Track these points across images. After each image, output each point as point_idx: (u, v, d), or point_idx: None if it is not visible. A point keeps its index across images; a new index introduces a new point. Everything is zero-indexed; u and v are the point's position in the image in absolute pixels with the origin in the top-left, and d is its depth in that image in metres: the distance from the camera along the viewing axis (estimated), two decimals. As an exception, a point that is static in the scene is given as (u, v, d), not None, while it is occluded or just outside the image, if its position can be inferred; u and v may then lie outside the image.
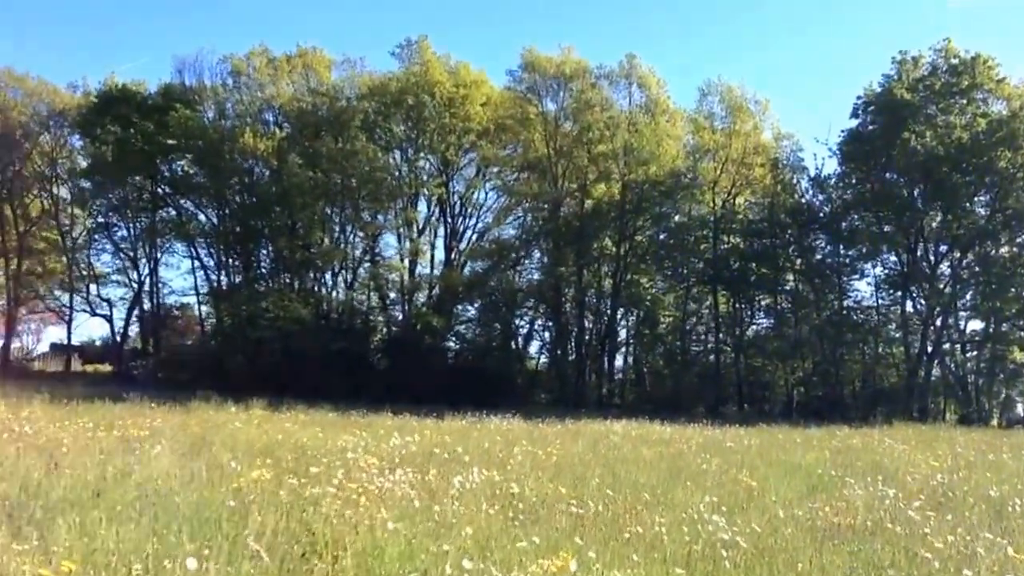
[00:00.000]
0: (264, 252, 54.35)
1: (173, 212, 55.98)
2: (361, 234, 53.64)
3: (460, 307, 56.11)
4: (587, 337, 55.63)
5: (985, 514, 12.51)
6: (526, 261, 57.64)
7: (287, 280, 53.33)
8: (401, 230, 53.18)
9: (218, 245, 54.37)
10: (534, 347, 60.35)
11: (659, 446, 21.74)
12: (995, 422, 47.81)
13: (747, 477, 15.15)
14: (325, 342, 46.68)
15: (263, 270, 54.16)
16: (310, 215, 50.30)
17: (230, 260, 54.71)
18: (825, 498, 13.23)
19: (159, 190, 55.38)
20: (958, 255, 50.59)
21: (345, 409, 29.98)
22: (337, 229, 53.60)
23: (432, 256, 54.81)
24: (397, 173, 52.13)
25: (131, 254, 57.93)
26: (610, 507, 11.23)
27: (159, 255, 57.27)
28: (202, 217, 55.40)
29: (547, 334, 58.47)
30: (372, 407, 31.43)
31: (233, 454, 14.26)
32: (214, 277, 55.30)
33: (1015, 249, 49.30)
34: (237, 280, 53.56)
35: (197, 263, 55.69)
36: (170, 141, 49.61)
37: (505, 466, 15.06)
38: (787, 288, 55.66)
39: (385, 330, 54.56)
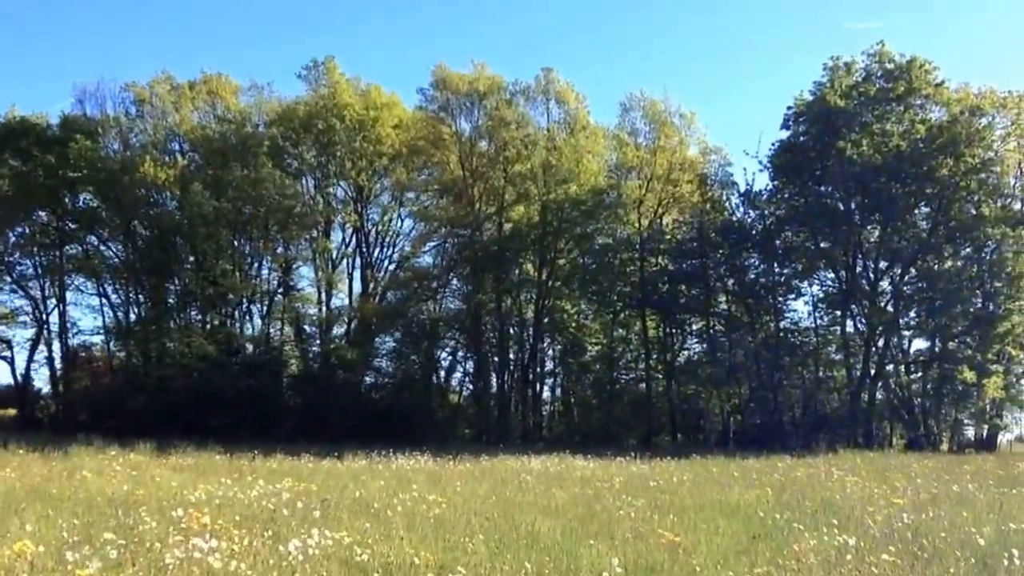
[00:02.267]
0: (171, 287, 50.71)
1: (79, 248, 52.53)
2: (272, 265, 50.31)
3: (379, 340, 52.55)
4: (509, 368, 51.92)
5: (974, 570, 9.79)
6: (445, 290, 54.05)
7: (195, 316, 50.08)
8: (316, 261, 49.85)
9: (126, 281, 51.00)
10: (457, 380, 56.90)
11: (577, 486, 18.98)
12: (945, 446, 45.04)
13: (672, 527, 12.33)
14: (233, 379, 43.55)
15: (170, 306, 50.48)
16: (215, 246, 46.98)
17: (138, 296, 51.11)
18: (769, 554, 10.40)
19: (64, 225, 51.89)
20: (900, 271, 47.74)
21: (242, 450, 27.15)
22: (248, 261, 50.30)
23: (350, 287, 51.57)
24: (308, 200, 48.83)
25: (35, 293, 54.19)
26: None
27: (67, 293, 53.51)
28: (109, 252, 51.91)
29: (469, 365, 55.13)
30: (275, 447, 28.89)
31: (44, 511, 12.36)
32: (122, 314, 51.67)
33: (960, 263, 46.51)
34: (144, 316, 50.09)
35: (104, 300, 52.15)
36: (72, 174, 46.85)
37: (379, 518, 12.32)
38: (720, 310, 52.46)
39: (299, 365, 51.09)
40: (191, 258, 49.01)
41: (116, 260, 51.59)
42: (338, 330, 51.49)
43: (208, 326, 48.57)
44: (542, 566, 9.09)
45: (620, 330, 54.27)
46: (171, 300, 50.51)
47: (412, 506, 13.89)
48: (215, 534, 9.73)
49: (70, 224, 51.95)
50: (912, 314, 48.93)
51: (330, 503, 13.75)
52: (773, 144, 49.83)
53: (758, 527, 13.02)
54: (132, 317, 51.26)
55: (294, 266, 51.64)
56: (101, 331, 53.22)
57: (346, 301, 51.70)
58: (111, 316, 52.07)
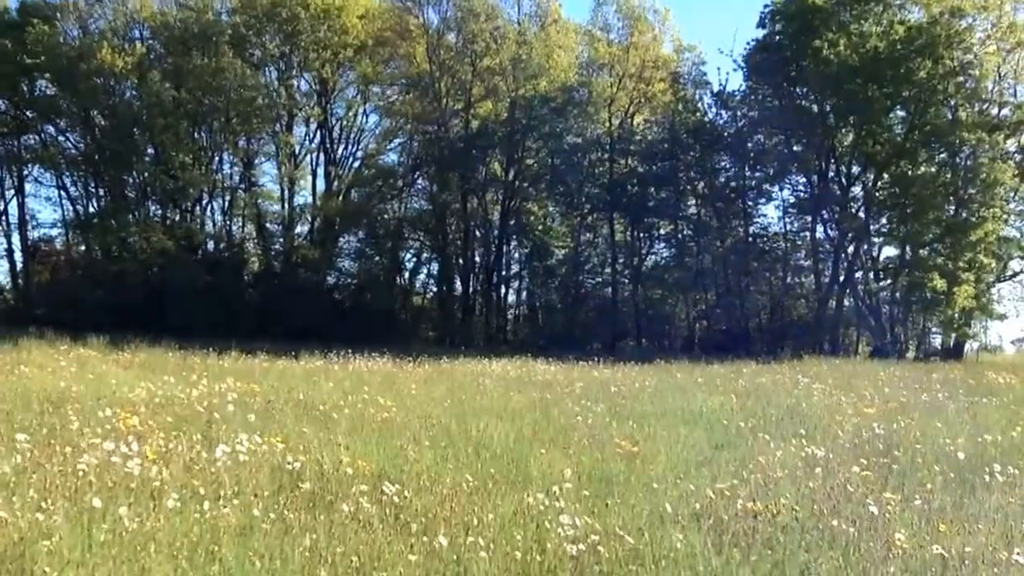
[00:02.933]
0: (130, 179, 48.91)
1: (37, 138, 50.46)
2: (234, 160, 48.76)
3: (342, 239, 51.34)
4: (475, 270, 51.03)
5: (951, 486, 9.20)
6: (410, 189, 52.70)
7: (155, 210, 48.69)
8: (279, 156, 48.28)
9: (84, 172, 49.30)
10: (421, 281, 55.97)
11: (536, 391, 18.39)
12: (911, 355, 44.59)
13: (631, 435, 11.71)
14: (192, 275, 42.51)
15: (129, 199, 48.73)
16: (174, 137, 45.10)
17: (98, 188, 49.48)
18: (733, 466, 9.77)
19: (22, 114, 49.71)
20: (872, 176, 46.59)
21: (197, 347, 26.33)
22: (208, 154, 48.63)
23: (314, 184, 50.16)
24: (271, 93, 47.02)
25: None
26: (424, 494, 7.59)
27: (25, 184, 51.56)
28: (68, 142, 50.01)
29: (434, 267, 54.04)
30: (232, 345, 27.52)
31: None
32: (81, 207, 50.10)
33: (934, 169, 45.23)
34: (103, 209, 48.59)
35: (63, 192, 50.48)
36: (29, 60, 44.76)
37: (324, 421, 11.63)
38: (689, 214, 51.49)
39: (260, 263, 50.05)
40: (150, 150, 47.37)
41: (74, 151, 49.83)
42: (301, 228, 50.26)
43: (168, 221, 47.18)
44: (488, 476, 8.39)
45: (587, 233, 53.18)
46: (130, 193, 48.87)
47: (361, 409, 13.17)
48: (141, 436, 9.11)
49: (27, 113, 49.94)
50: (883, 221, 47.87)
51: (275, 405, 13.01)
52: (748, 43, 48.29)
53: (721, 436, 12.42)
54: (91, 210, 49.79)
55: (256, 161, 50.01)
56: (60, 224, 51.87)
57: (309, 199, 50.43)
58: (70, 209, 50.60)
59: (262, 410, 12.35)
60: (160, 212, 48.70)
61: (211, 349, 25.68)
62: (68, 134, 49.92)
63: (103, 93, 46.24)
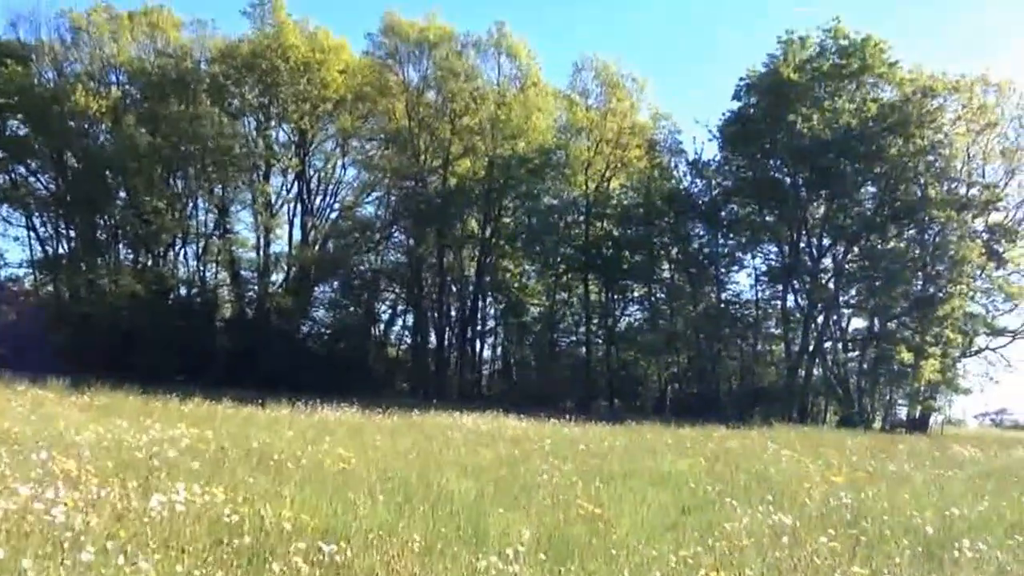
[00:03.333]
0: (101, 222, 47.95)
1: (7, 177, 48.93)
2: (209, 207, 48.13)
3: (318, 289, 50.77)
4: (450, 324, 50.56)
5: (919, 560, 8.77)
6: (387, 242, 52.11)
7: (127, 253, 47.84)
8: (255, 205, 47.59)
9: (55, 213, 48.10)
10: (396, 333, 55.38)
11: (505, 446, 17.82)
12: (877, 425, 44.48)
13: (596, 496, 11.22)
14: (162, 320, 41.70)
15: (99, 241, 47.71)
16: (146, 181, 44.33)
17: (68, 230, 48.24)
18: (699, 533, 9.29)
19: None
20: (843, 248, 46.88)
21: (162, 392, 25.08)
22: (183, 200, 47.73)
23: (290, 234, 49.41)
24: (248, 142, 46.53)
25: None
26: (370, 552, 7.04)
27: None
28: (39, 183, 48.91)
29: (409, 319, 53.41)
30: (199, 391, 26.80)
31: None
32: (50, 248, 48.69)
33: (903, 244, 45.54)
34: (72, 250, 47.51)
35: (32, 233, 48.86)
36: (1, 100, 44.13)
37: (278, 472, 11.00)
38: (662, 278, 51.49)
39: (233, 309, 49.18)
40: (122, 193, 46.53)
41: (45, 192, 48.77)
42: (276, 276, 49.33)
43: (139, 265, 46.32)
44: (442, 535, 7.89)
45: (562, 293, 53.05)
46: (101, 236, 47.87)
47: (320, 459, 12.56)
48: (75, 482, 8.44)
49: None
50: (853, 292, 48.21)
51: (227, 453, 12.34)
52: (724, 114, 48.75)
53: (688, 499, 11.93)
54: (60, 251, 48.55)
55: (232, 209, 49.29)
56: (28, 264, 50.23)
57: (285, 248, 49.66)
58: (39, 249, 49.19)
59: (213, 458, 11.60)
60: (132, 256, 47.83)
61: (175, 394, 24.65)
62: (39, 175, 48.95)
63: (76, 135, 45.62)
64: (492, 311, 54.01)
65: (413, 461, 13.58)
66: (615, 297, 53.01)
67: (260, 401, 24.83)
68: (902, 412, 48.60)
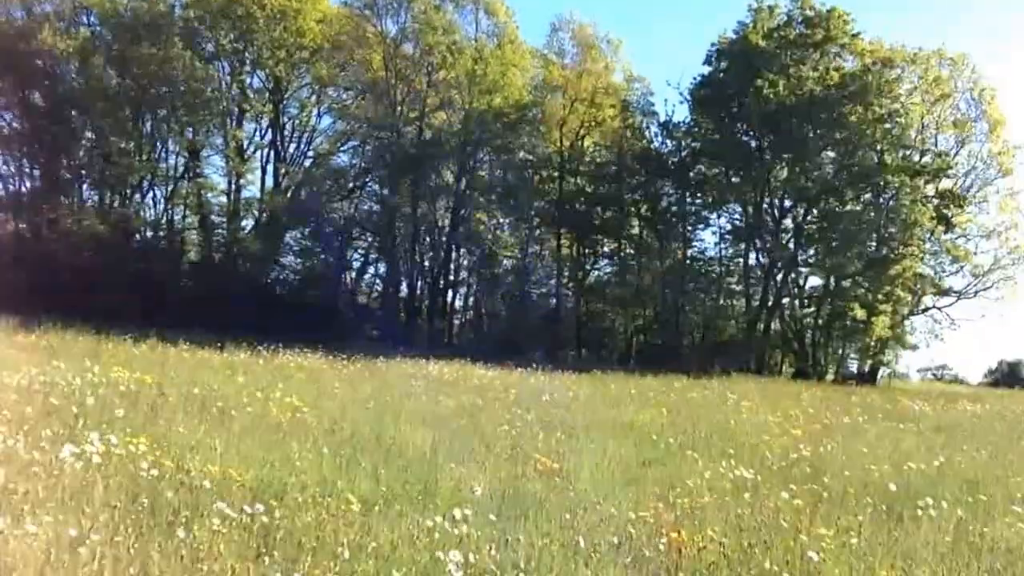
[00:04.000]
0: (66, 162, 45.00)
1: None
2: (178, 150, 45.63)
3: (290, 235, 48.77)
4: (423, 273, 49.16)
5: (882, 518, 8.13)
6: (361, 192, 50.52)
7: (92, 195, 45.32)
8: (227, 150, 44.94)
9: (20, 153, 44.93)
10: (367, 282, 53.87)
11: (470, 395, 17.09)
12: (830, 377, 44.85)
13: (556, 447, 10.52)
14: (125, 262, 39.48)
15: (62, 180, 44.83)
16: (112, 123, 42.04)
17: (33, 170, 45.38)
18: (659, 488, 8.59)
19: None
20: (803, 210, 46.91)
21: (117, 333, 23.32)
22: (152, 142, 45.29)
23: (262, 180, 47.30)
24: (220, 87, 44.20)
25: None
26: (304, 513, 6.23)
27: None
28: (2, 121, 45.09)
29: (381, 268, 52.03)
30: (160, 333, 24.98)
31: None
32: (12, 187, 45.70)
33: (860, 207, 45.81)
34: (33, 189, 44.72)
35: None
36: None
37: (218, 421, 10.08)
38: (632, 234, 50.97)
39: (200, 253, 46.99)
40: (89, 134, 44.12)
41: (7, 130, 45.33)
42: (246, 223, 47.33)
43: (105, 206, 43.99)
44: (388, 492, 7.12)
45: (535, 246, 52.25)
46: (66, 175, 45.34)
47: (268, 408, 11.58)
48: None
49: None
50: (811, 252, 48.01)
51: (167, 399, 11.32)
52: (695, 78, 48.37)
53: (650, 451, 11.30)
54: (23, 190, 45.85)
55: (203, 154, 46.77)
56: None
57: (257, 194, 47.71)
58: (1, 188, 46.23)
59: (151, 405, 10.63)
60: (97, 197, 45.30)
61: (129, 336, 23.22)
62: (3, 113, 45.54)
63: (42, 75, 43.13)
64: (465, 262, 52.96)
65: (370, 411, 12.77)
66: (586, 251, 52.35)
67: (219, 345, 23.43)
68: (853, 366, 49.44)
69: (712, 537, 6.32)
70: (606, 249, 52.90)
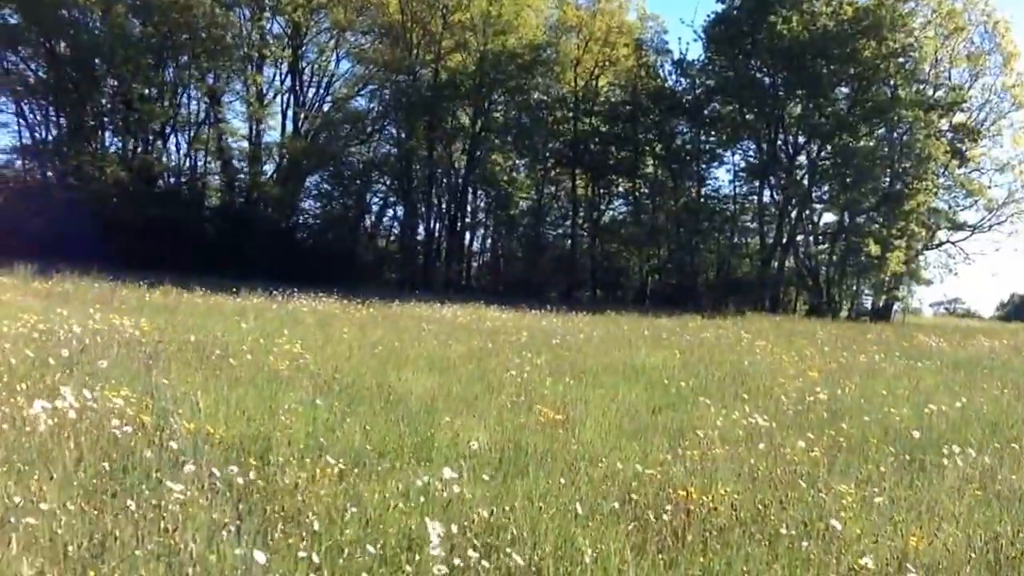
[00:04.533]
0: (90, 109, 44.27)
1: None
2: (199, 96, 45.00)
3: (309, 181, 48.17)
4: (439, 216, 48.73)
5: (905, 469, 7.51)
6: (379, 135, 49.48)
7: (115, 141, 44.69)
8: (247, 95, 44.94)
9: (46, 101, 44.28)
10: (386, 225, 53.22)
11: (480, 338, 16.50)
12: (844, 314, 44.29)
13: (564, 393, 9.94)
14: (146, 207, 38.80)
15: (84, 127, 44.04)
16: (134, 70, 41.19)
17: (59, 118, 44.37)
18: (669, 439, 7.98)
19: None
20: (817, 146, 45.60)
21: (134, 279, 22.94)
22: (174, 88, 44.54)
23: (283, 125, 46.60)
24: (240, 33, 43.55)
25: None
26: (285, 472, 5.63)
27: None
28: (29, 71, 44.37)
29: (399, 211, 50.96)
30: (178, 278, 24.81)
31: None
32: (38, 135, 44.77)
33: (873, 142, 44.66)
34: (56, 136, 43.92)
35: (22, 120, 44.62)
36: None
37: (214, 370, 9.51)
38: (646, 173, 49.89)
39: (221, 198, 46.69)
40: (112, 81, 43.33)
41: (34, 79, 44.57)
42: (266, 168, 46.75)
43: (130, 154, 43.46)
44: (380, 446, 6.54)
45: (550, 187, 51.49)
46: (91, 122, 44.61)
47: (269, 355, 10.98)
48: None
49: None
50: (825, 188, 47.05)
51: (166, 347, 10.76)
52: (708, 15, 46.96)
53: (661, 397, 10.65)
54: (48, 137, 44.98)
55: (224, 99, 46.21)
56: (15, 151, 46.16)
57: (277, 139, 46.94)
58: (28, 136, 45.39)
59: (149, 353, 10.02)
60: (120, 144, 44.73)
61: (145, 283, 22.63)
62: (30, 63, 44.87)
63: (66, 24, 42.19)
64: (481, 204, 52.28)
65: (375, 356, 12.17)
66: (600, 191, 51.43)
67: (234, 289, 22.86)
68: (867, 302, 48.70)
69: (723, 496, 5.72)
70: (620, 189, 51.89)
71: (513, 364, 12.42)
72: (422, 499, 5.05)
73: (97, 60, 42.05)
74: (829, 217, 48.35)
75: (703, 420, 8.95)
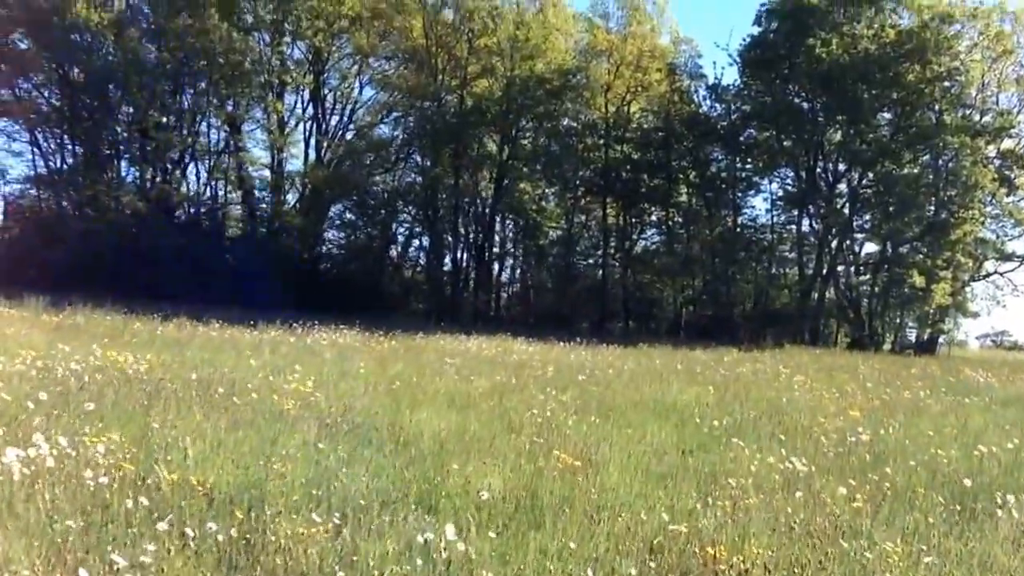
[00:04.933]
0: (106, 137, 44.04)
1: (10, 91, 44.25)
2: (218, 123, 45.03)
3: (333, 209, 48.26)
4: (468, 245, 48.55)
5: (957, 520, 7.10)
6: (404, 164, 49.42)
7: (133, 171, 44.79)
8: (267, 122, 44.79)
9: (59, 129, 44.42)
10: (412, 256, 52.79)
11: (505, 373, 16.19)
12: (887, 347, 43.57)
13: (587, 434, 9.58)
14: (165, 237, 39.10)
15: (100, 156, 43.99)
16: (150, 97, 41.59)
17: (75, 147, 44.66)
18: (698, 485, 7.60)
19: None
20: (858, 174, 44.95)
21: (149, 312, 22.78)
22: (191, 115, 44.62)
23: (306, 154, 46.61)
24: (260, 58, 43.28)
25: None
26: (274, 525, 5.26)
27: None
28: (42, 98, 44.54)
29: (425, 240, 50.58)
30: (196, 311, 24.47)
31: None
32: (53, 163, 44.99)
33: (917, 169, 43.84)
34: (71, 165, 44.06)
35: (36, 149, 44.91)
36: (5, 13, 40.30)
37: (220, 408, 9.23)
38: (680, 202, 49.50)
39: (243, 228, 46.65)
40: (128, 109, 43.28)
41: (48, 106, 44.66)
42: (288, 197, 46.87)
43: (147, 182, 43.55)
44: (379, 492, 6.20)
45: (580, 216, 51.22)
46: (107, 151, 44.45)
47: (275, 393, 10.62)
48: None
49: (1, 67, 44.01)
50: (867, 217, 46.38)
51: (166, 385, 10.39)
52: (744, 39, 46.50)
53: (692, 437, 10.26)
54: (63, 166, 45.06)
55: (244, 127, 45.98)
56: (26, 180, 46.35)
57: (299, 167, 47.02)
58: (43, 165, 45.49)
59: (149, 392, 9.74)
60: (137, 173, 44.78)
61: (160, 315, 22.50)
62: (43, 89, 44.98)
63: (78, 49, 41.93)
64: (509, 234, 52.06)
65: (392, 392, 11.87)
66: (632, 220, 50.99)
67: (252, 322, 22.71)
68: (911, 335, 47.77)
69: (756, 555, 5.34)
70: (653, 218, 51.56)
71: (536, 401, 12.10)
72: (420, 561, 4.71)
73: (111, 86, 42.16)
74: (871, 247, 47.79)
75: (736, 463, 8.59)
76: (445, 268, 48.63)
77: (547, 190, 50.88)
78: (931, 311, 42.82)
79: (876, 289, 45.86)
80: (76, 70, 43.06)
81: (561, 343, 26.43)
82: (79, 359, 11.46)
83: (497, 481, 6.82)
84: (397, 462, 7.31)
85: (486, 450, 8.20)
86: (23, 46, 43.53)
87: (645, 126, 49.66)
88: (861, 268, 47.24)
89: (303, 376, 12.02)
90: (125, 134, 43.41)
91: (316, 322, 24.95)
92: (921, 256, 42.67)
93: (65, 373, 10.27)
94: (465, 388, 13.28)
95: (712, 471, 8.18)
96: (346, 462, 6.98)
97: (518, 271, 54.09)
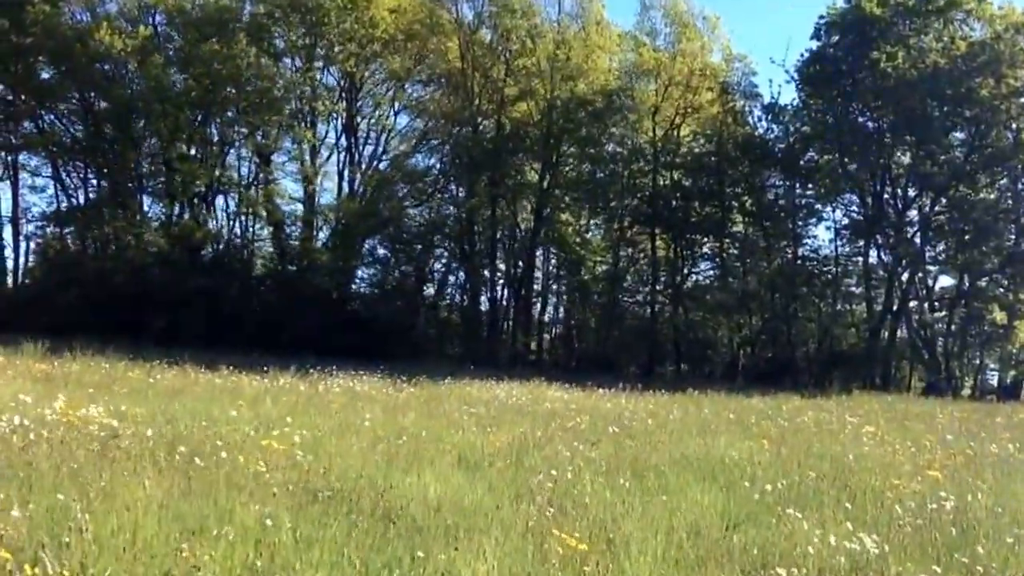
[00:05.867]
0: (128, 170, 44.00)
1: (33, 125, 45.04)
2: (246, 155, 45.32)
3: (365, 244, 47.59)
4: (504, 282, 47.94)
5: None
6: (441, 196, 48.98)
7: (157, 207, 44.64)
8: (297, 153, 44.83)
9: (83, 162, 45.10)
10: (448, 294, 52.17)
11: (531, 424, 15.17)
12: (966, 392, 41.79)
13: (614, 500, 8.51)
14: (187, 278, 38.69)
15: (119, 190, 43.93)
16: (173, 125, 41.19)
17: (99, 181, 45.17)
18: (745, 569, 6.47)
19: (17, 99, 44.30)
20: (930, 199, 43.69)
21: (157, 357, 22.58)
22: (219, 146, 44.78)
23: (339, 186, 46.50)
24: (290, 84, 43.47)
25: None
26: None
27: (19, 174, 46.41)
28: (67, 130, 45.58)
29: (461, 277, 50.23)
30: (214, 356, 24.52)
31: None
32: (76, 199, 45.50)
33: (995, 194, 42.69)
34: (89, 201, 44.49)
35: (59, 184, 45.71)
36: (26, 40, 40.46)
37: (193, 472, 8.29)
38: (735, 232, 48.32)
39: (269, 267, 46.49)
40: (153, 139, 43.48)
41: (68, 139, 45.45)
42: (318, 232, 46.52)
43: (167, 218, 43.28)
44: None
45: (627, 249, 50.04)
46: (130, 184, 44.54)
47: (255, 451, 9.63)
48: None
49: (22, 98, 44.78)
50: (940, 247, 45.26)
51: (123, 443, 9.47)
52: (802, 54, 45.36)
53: (738, 506, 9.14)
54: (84, 203, 45.41)
55: (272, 158, 45.91)
56: (44, 216, 46.78)
57: (330, 200, 46.81)
58: (65, 200, 46.01)
59: (96, 450, 8.82)
60: (159, 208, 44.82)
61: (164, 361, 22.06)
62: (66, 120, 45.76)
63: (102, 77, 42.49)
64: (552, 269, 51.13)
65: (394, 450, 10.90)
66: (683, 253, 49.61)
67: (265, 368, 22.12)
68: (993, 378, 46.13)
69: None
70: (706, 250, 50.31)
71: (561, 459, 11.07)
72: None
73: (134, 116, 42.29)
74: (946, 280, 46.43)
75: (792, 541, 7.46)
76: (482, 307, 47.78)
77: (591, 221, 50.23)
78: (1015, 351, 41.60)
79: (952, 327, 44.27)
80: (100, 100, 43.29)
81: (602, 389, 25.57)
82: (34, 414, 10.62)
83: (483, 570, 5.77)
84: (367, 542, 6.28)
85: (484, 525, 7.15)
86: (45, 76, 43.78)
87: (696, 150, 48.57)
88: (935, 304, 45.64)
89: (293, 430, 11.09)
90: (149, 167, 43.77)
91: (334, 367, 24.28)
92: (1002, 290, 41.45)
93: (10, 429, 9.41)
94: (480, 443, 12.31)
95: (762, 552, 7.09)
96: (299, 543, 5.97)
97: (560, 310, 53.05)
